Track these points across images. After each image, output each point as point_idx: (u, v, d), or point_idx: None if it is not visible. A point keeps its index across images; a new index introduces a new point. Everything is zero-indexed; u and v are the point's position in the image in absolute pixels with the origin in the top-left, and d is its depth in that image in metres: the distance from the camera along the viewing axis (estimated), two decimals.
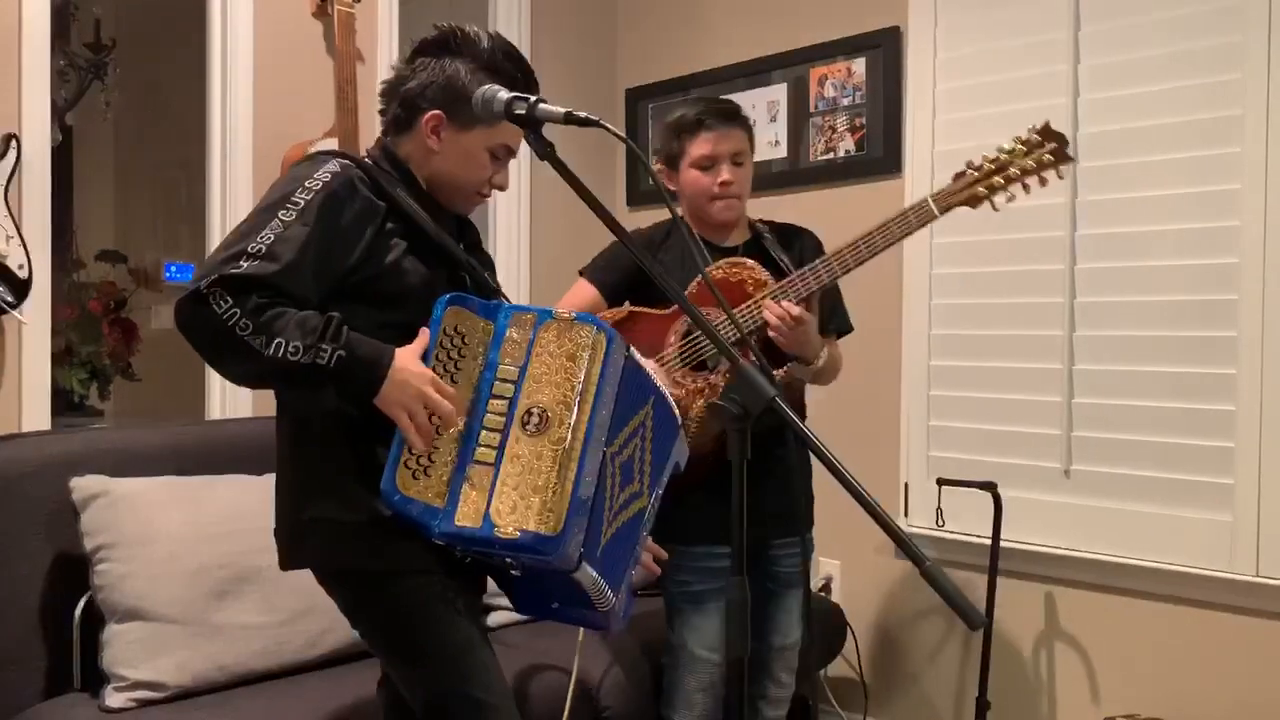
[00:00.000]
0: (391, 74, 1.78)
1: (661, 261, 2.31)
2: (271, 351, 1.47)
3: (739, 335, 2.13)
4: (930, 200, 2.13)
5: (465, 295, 1.64)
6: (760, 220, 2.40)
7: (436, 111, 1.70)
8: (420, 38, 1.76)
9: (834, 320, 2.36)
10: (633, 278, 2.29)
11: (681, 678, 2.29)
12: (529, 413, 1.56)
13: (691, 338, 2.25)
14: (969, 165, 2.14)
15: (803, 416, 2.40)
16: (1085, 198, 2.64)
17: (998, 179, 2.11)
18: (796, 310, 2.10)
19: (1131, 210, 2.59)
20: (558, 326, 1.60)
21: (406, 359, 1.55)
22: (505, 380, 1.59)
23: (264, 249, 1.51)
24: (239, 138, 2.86)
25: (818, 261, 2.15)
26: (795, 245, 2.36)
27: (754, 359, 1.49)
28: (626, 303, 2.35)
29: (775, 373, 2.15)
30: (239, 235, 1.55)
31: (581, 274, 2.39)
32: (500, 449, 1.55)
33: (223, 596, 2.17)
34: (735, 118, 2.31)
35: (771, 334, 2.12)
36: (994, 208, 2.13)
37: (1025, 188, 2.12)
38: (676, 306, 2.01)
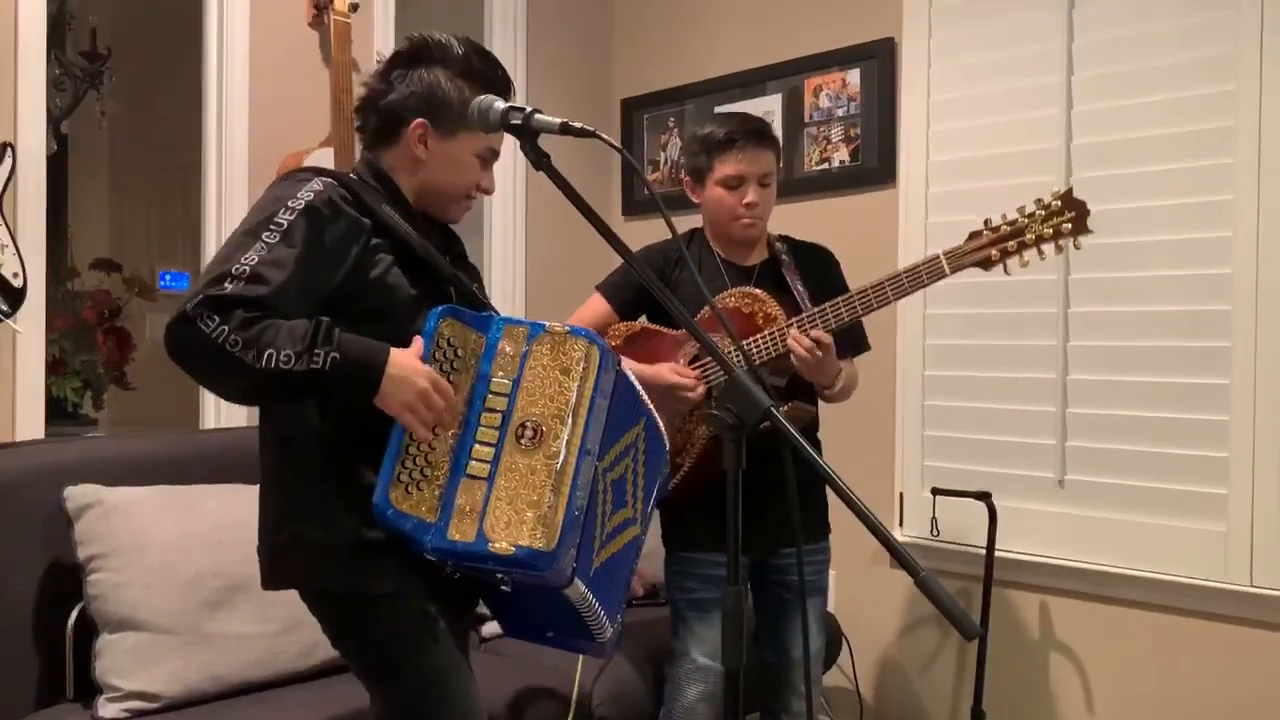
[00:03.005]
0: (364, 89, 1.77)
1: (677, 277, 2.31)
2: (264, 364, 1.45)
3: (746, 364, 2.15)
4: (943, 257, 2.10)
5: (458, 308, 1.64)
6: (779, 238, 2.39)
7: (421, 120, 1.70)
8: (398, 48, 1.76)
9: (850, 343, 2.33)
10: (647, 295, 2.29)
11: (684, 686, 2.28)
12: (523, 426, 1.56)
13: (700, 364, 2.25)
14: (986, 224, 2.10)
15: (818, 451, 2.40)
16: None
17: (1011, 244, 2.07)
18: (820, 337, 2.10)
19: (1125, 221, 2.60)
20: (551, 340, 1.60)
21: (402, 356, 1.54)
22: (498, 393, 1.58)
23: (248, 270, 1.49)
24: (234, 147, 2.86)
25: (826, 305, 2.14)
26: (812, 267, 2.36)
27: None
28: (643, 317, 2.35)
29: (781, 407, 2.15)
30: (222, 258, 1.53)
31: (597, 288, 2.40)
32: (494, 463, 1.55)
33: (216, 606, 2.16)
34: (766, 138, 2.30)
35: (795, 362, 2.12)
36: (1006, 271, 2.09)
37: (1040, 254, 2.08)
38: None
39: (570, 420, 1.55)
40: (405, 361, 1.53)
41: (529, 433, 1.55)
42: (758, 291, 2.22)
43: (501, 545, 1.49)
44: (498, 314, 1.68)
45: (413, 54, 1.73)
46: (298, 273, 1.53)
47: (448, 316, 1.60)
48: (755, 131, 2.28)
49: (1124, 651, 2.65)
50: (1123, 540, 2.62)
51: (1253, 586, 2.43)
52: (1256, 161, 2.41)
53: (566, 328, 1.61)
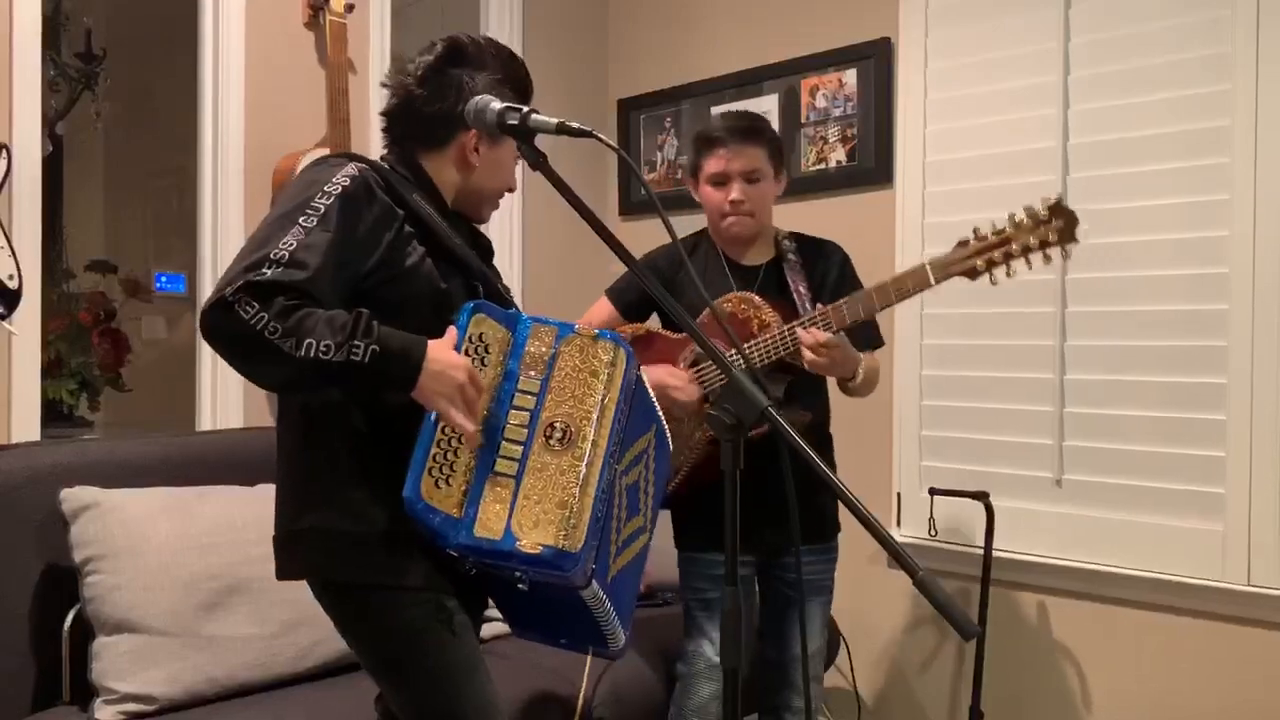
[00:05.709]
0: (401, 90, 1.74)
1: (680, 280, 2.30)
2: (303, 353, 1.43)
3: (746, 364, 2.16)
4: (928, 267, 2.09)
5: (488, 303, 1.63)
6: (788, 235, 2.37)
7: (475, 131, 1.70)
8: (438, 51, 1.72)
9: (865, 338, 2.32)
10: (651, 299, 2.29)
11: (696, 685, 2.29)
12: (551, 426, 1.56)
13: (700, 368, 2.25)
14: (974, 233, 2.08)
15: (828, 447, 2.41)
16: (1075, 206, 2.62)
17: (997, 254, 2.05)
18: (824, 337, 2.09)
19: (1122, 220, 2.60)
20: (580, 342, 1.60)
21: (440, 349, 1.52)
22: (526, 392, 1.58)
23: (287, 255, 1.48)
24: (230, 148, 2.85)
25: (815, 313, 2.14)
26: (819, 264, 2.35)
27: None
28: (653, 319, 2.37)
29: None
30: (261, 241, 1.51)
31: (605, 293, 2.42)
32: (522, 462, 1.54)
33: (213, 608, 2.16)
34: (752, 135, 2.27)
35: (808, 363, 2.12)
36: (992, 282, 2.08)
37: (1028, 264, 2.05)
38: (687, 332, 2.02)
39: (597, 422, 1.55)
40: (443, 355, 1.51)
41: (558, 433, 1.55)
42: (754, 297, 2.23)
43: (528, 544, 1.48)
44: (522, 313, 1.68)
45: (457, 57, 1.72)
46: (334, 257, 1.52)
47: (479, 312, 1.60)
48: (739, 128, 2.27)
49: (1121, 651, 2.65)
50: (1120, 540, 2.62)
51: (1249, 585, 2.43)
52: (1253, 161, 2.42)
53: (594, 330, 1.63)
